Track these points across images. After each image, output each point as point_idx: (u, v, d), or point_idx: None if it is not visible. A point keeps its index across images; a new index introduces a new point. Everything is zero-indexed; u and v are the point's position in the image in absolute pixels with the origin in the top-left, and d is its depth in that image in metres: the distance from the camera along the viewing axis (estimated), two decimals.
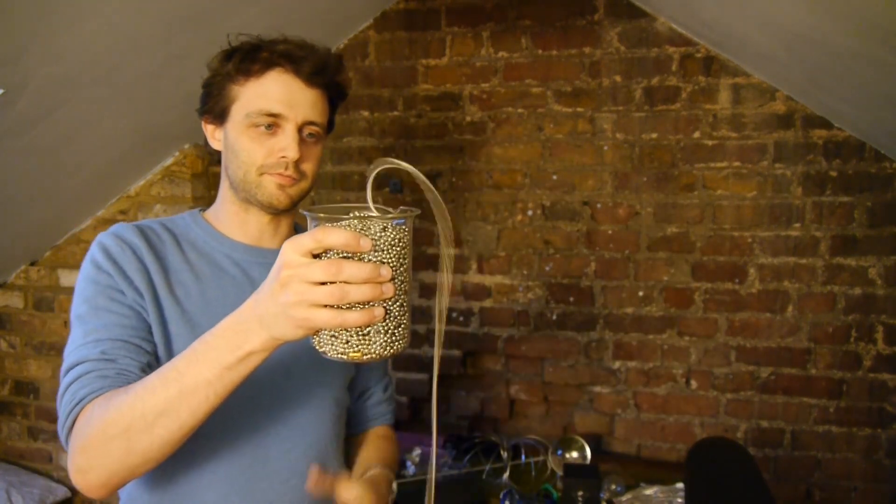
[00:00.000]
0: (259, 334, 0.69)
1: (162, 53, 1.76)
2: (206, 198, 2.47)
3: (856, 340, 2.05)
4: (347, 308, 0.64)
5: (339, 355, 0.67)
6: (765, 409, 2.13)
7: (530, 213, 2.26)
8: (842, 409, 2.08)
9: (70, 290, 2.48)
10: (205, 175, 2.46)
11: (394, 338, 0.68)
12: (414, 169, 0.68)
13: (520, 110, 2.24)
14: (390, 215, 0.67)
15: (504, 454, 2.06)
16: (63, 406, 0.83)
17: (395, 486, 0.93)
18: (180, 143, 2.35)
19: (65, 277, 2.51)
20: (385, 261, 0.65)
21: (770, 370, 2.12)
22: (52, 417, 2.57)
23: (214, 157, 1.05)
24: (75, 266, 2.49)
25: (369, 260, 0.65)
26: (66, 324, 2.51)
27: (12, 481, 2.38)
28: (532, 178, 2.25)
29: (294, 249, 0.64)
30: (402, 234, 0.67)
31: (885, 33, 1.35)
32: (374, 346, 0.67)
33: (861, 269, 2.04)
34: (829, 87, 1.84)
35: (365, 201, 0.69)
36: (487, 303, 2.32)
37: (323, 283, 0.63)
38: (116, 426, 0.75)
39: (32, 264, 2.53)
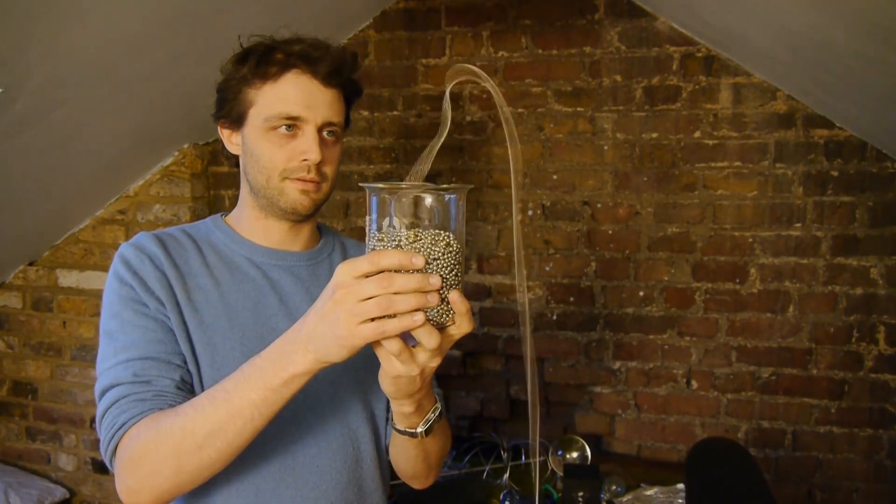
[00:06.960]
0: (304, 357, 0.72)
1: (162, 53, 1.75)
2: (205, 198, 2.47)
3: (857, 341, 2.05)
4: (389, 317, 0.66)
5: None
6: (766, 410, 2.12)
7: (530, 213, 2.25)
8: (843, 409, 2.07)
9: (68, 290, 2.49)
10: (204, 175, 2.45)
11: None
12: (489, 79, 0.72)
13: (520, 110, 2.23)
14: (443, 186, 0.70)
15: (504, 455, 2.06)
16: (104, 430, 0.85)
17: (439, 403, 0.92)
18: (179, 142, 2.34)
19: (63, 277, 2.50)
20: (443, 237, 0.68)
21: (771, 370, 2.11)
22: (50, 418, 2.57)
23: (232, 161, 1.04)
24: (74, 266, 2.48)
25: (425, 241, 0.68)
26: (65, 324, 2.51)
27: (10, 482, 2.38)
28: (532, 178, 2.24)
29: (349, 272, 0.66)
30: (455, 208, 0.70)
31: (886, 33, 1.34)
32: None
33: (862, 269, 2.04)
34: (831, 86, 1.84)
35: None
36: (487, 303, 2.32)
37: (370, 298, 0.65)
38: (167, 447, 0.78)
39: (31, 264, 2.53)
